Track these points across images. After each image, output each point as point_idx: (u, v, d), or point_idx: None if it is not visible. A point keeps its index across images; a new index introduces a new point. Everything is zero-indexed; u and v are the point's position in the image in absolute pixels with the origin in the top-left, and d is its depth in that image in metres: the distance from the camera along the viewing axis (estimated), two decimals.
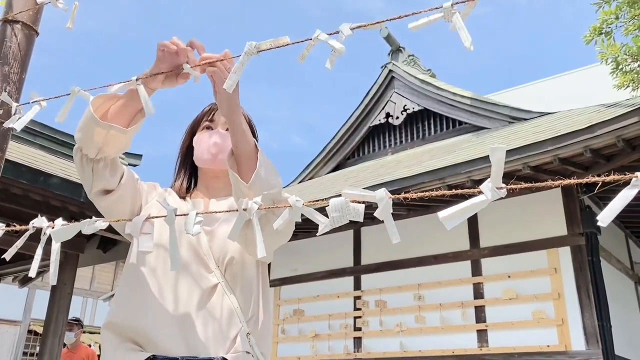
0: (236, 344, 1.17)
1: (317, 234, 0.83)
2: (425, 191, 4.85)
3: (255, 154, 1.16)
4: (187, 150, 1.44)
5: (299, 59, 0.89)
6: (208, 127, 1.40)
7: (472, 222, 5.93)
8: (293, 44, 0.87)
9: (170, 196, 1.37)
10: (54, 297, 5.34)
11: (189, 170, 1.44)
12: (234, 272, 1.24)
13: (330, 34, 0.87)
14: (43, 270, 7.04)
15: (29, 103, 1.18)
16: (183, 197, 1.38)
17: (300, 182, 9.28)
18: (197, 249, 1.24)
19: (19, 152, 4.84)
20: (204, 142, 1.36)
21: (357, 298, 6.54)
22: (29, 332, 14.90)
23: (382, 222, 0.77)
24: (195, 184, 1.44)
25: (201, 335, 1.15)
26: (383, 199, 0.77)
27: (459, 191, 0.73)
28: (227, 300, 1.21)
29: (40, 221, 1.03)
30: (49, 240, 0.99)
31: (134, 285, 1.21)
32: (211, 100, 1.43)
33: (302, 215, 0.86)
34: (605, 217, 0.58)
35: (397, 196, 0.78)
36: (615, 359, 4.80)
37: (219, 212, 0.91)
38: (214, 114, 1.41)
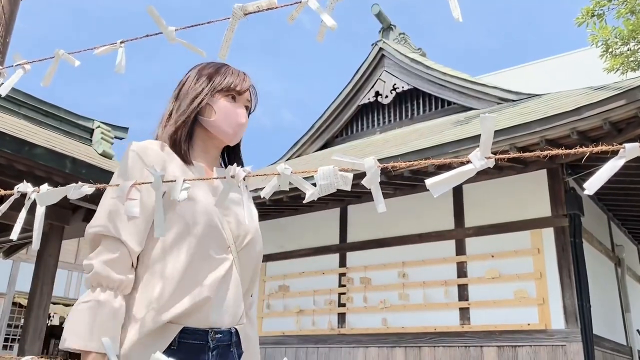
0: (242, 316, 1.27)
1: (304, 202, 0.83)
2: (413, 168, 4.87)
3: None
4: (198, 106, 1.29)
5: (289, 20, 0.88)
6: (233, 98, 1.32)
7: (457, 202, 5.98)
8: (281, 7, 0.86)
9: (173, 163, 1.23)
10: (39, 269, 5.31)
11: (189, 126, 1.29)
12: (246, 250, 1.27)
13: None
14: (28, 241, 6.99)
15: (12, 66, 1.16)
16: (187, 162, 1.25)
17: (287, 159, 9.26)
18: (217, 226, 1.22)
19: (3, 122, 4.77)
20: (232, 115, 1.29)
21: (342, 275, 6.59)
22: (14, 304, 14.86)
23: (369, 200, 0.77)
24: (189, 142, 1.30)
25: (222, 308, 1.20)
26: (372, 167, 0.77)
27: (447, 161, 0.74)
28: (236, 276, 1.25)
29: (25, 186, 1.03)
30: (34, 208, 0.98)
31: (170, 270, 1.16)
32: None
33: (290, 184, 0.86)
34: (592, 185, 0.59)
35: (386, 165, 0.79)
36: (593, 338, 4.91)
37: (216, 177, 0.90)
38: (245, 92, 1.33)
